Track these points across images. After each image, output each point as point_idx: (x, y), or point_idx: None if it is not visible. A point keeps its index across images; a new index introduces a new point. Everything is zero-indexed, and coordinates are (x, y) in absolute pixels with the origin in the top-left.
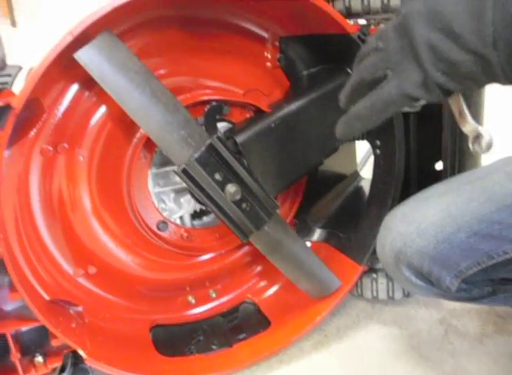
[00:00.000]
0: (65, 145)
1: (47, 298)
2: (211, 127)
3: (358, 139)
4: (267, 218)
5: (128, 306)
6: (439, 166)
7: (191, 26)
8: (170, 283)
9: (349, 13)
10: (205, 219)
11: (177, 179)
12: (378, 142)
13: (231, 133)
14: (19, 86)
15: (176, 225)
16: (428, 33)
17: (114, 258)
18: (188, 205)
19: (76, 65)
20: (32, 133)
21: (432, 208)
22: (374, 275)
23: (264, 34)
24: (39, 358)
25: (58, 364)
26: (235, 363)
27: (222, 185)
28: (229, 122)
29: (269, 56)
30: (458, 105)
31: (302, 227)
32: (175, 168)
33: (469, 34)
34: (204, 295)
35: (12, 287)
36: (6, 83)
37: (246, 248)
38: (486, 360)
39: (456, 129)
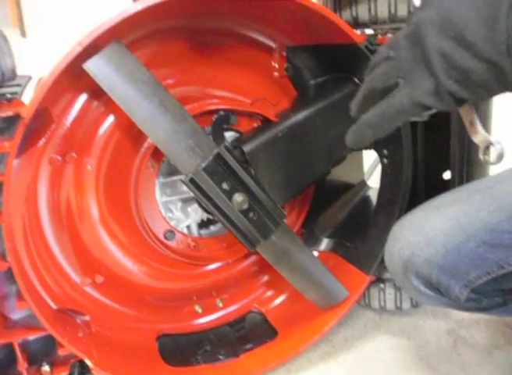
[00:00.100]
0: (74, 155)
1: (54, 307)
2: (218, 137)
3: (366, 148)
4: (274, 227)
5: (135, 315)
6: (446, 175)
7: (199, 36)
8: (177, 292)
9: (356, 23)
10: (212, 228)
11: (184, 188)
12: (385, 151)
13: (238, 142)
14: (28, 96)
15: (183, 234)
16: (440, 41)
17: (121, 268)
18: (195, 214)
19: (84, 75)
20: (41, 142)
21: (440, 217)
22: (381, 285)
23: (272, 44)
24: (46, 368)
25: (64, 373)
26: (242, 374)
27: (229, 194)
28: (237, 131)
29: (276, 66)
30: (469, 115)
31: (309, 237)
32: (182, 177)
33: (482, 42)
34: (211, 305)
35: (19, 296)
36: (16, 93)
37: (253, 258)
38: (496, 372)
39: (464, 138)
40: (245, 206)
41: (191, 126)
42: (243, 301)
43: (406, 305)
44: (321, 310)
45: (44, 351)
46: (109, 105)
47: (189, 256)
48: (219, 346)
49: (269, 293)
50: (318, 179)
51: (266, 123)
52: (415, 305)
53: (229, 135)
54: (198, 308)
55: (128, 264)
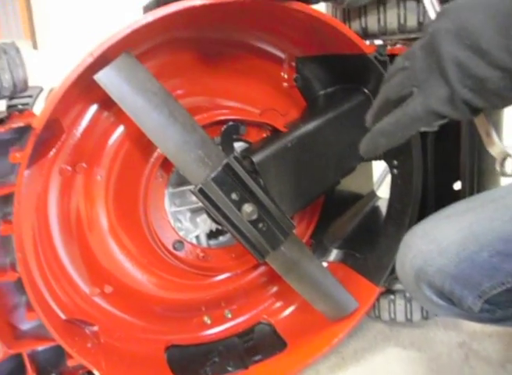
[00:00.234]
0: (84, 165)
1: (63, 317)
2: (227, 147)
3: (376, 159)
4: (283, 238)
5: (143, 326)
6: (457, 185)
7: (208, 47)
8: (186, 303)
9: (365, 34)
10: (221, 238)
11: (193, 198)
12: (395, 162)
13: (247, 152)
14: (40, 107)
15: (192, 245)
16: (455, 50)
17: (130, 278)
18: (204, 224)
19: (95, 86)
20: (51, 153)
21: (453, 227)
22: (391, 296)
23: (281, 55)
24: None
25: None
26: None
27: (238, 205)
28: (246, 141)
29: (286, 76)
30: (485, 125)
31: (318, 247)
32: (191, 187)
33: (497, 50)
34: (220, 316)
35: (29, 307)
36: (27, 104)
37: (262, 269)
38: None
39: (474, 148)
40: (254, 217)
41: (200, 136)
42: (252, 312)
43: (416, 316)
44: (330, 322)
45: (52, 362)
46: (119, 116)
47: (198, 267)
48: (228, 357)
49: (278, 304)
50: (327, 189)
51: (275, 133)
52: (426, 317)
53: (238, 145)
54: (207, 319)
55: (137, 274)
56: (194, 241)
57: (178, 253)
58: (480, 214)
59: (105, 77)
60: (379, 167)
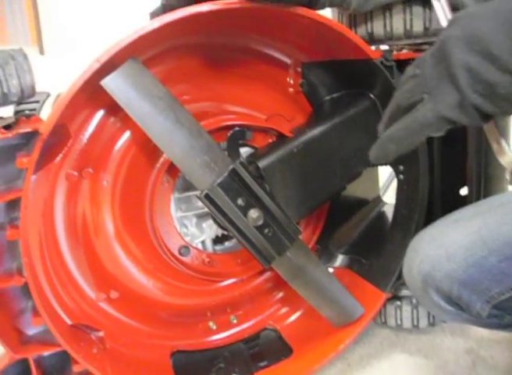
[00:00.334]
0: (90, 170)
1: (69, 322)
2: (233, 152)
3: (382, 164)
4: (289, 243)
5: (149, 332)
6: (463, 191)
7: (215, 52)
8: (191, 308)
9: (371, 39)
10: (227, 244)
11: (199, 204)
12: (401, 167)
13: (253, 158)
14: (47, 112)
15: (198, 250)
16: (465, 56)
17: (136, 283)
18: (210, 229)
19: (101, 91)
20: (58, 158)
21: (461, 231)
22: (398, 302)
23: (287, 60)
24: None
25: None
26: None
27: (244, 210)
28: (252, 147)
29: (291, 82)
30: (495, 134)
31: (324, 253)
32: (197, 193)
33: (507, 55)
34: (225, 321)
35: (35, 312)
36: (35, 109)
37: (267, 274)
38: None
39: (481, 153)
40: (260, 222)
41: (207, 141)
42: (258, 317)
43: (423, 323)
44: (336, 328)
45: (58, 368)
46: (125, 121)
47: (203, 272)
48: (233, 363)
49: (284, 310)
50: (333, 195)
51: (281, 138)
52: (432, 324)
53: (244, 151)
54: (212, 325)
55: (143, 280)
56: (200, 247)
57: (184, 258)
58: (488, 219)
59: (112, 83)
60: (385, 172)
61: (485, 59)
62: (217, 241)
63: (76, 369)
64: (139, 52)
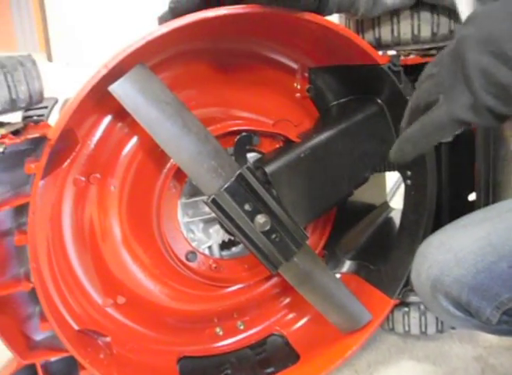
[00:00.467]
0: (98, 175)
1: (76, 327)
2: (240, 157)
3: (389, 170)
4: (296, 249)
5: (155, 337)
6: (471, 196)
7: (222, 58)
8: (198, 314)
9: (379, 44)
10: (234, 249)
11: (206, 209)
12: (409, 173)
13: (260, 163)
14: (55, 118)
15: (205, 255)
16: (479, 56)
17: (143, 289)
18: (217, 235)
19: (109, 97)
20: (66, 163)
21: (470, 236)
22: (406, 309)
23: (294, 65)
24: None
25: None
26: None
27: (251, 215)
28: (259, 152)
29: (299, 87)
30: None
31: (331, 258)
32: (204, 198)
33: None
34: (232, 327)
35: (42, 317)
36: (43, 115)
37: (274, 280)
38: None
39: (489, 159)
40: (267, 227)
41: (214, 147)
42: (265, 323)
43: (431, 329)
44: (343, 334)
45: (65, 373)
46: (133, 127)
47: (210, 278)
48: (240, 370)
49: (291, 315)
50: (340, 200)
51: (288, 143)
52: (441, 330)
53: (252, 156)
54: (219, 331)
55: (149, 285)
56: (207, 252)
57: (191, 264)
58: (497, 224)
59: (120, 89)
60: (392, 178)
61: (499, 60)
62: (224, 246)
63: (83, 374)
64: (147, 58)
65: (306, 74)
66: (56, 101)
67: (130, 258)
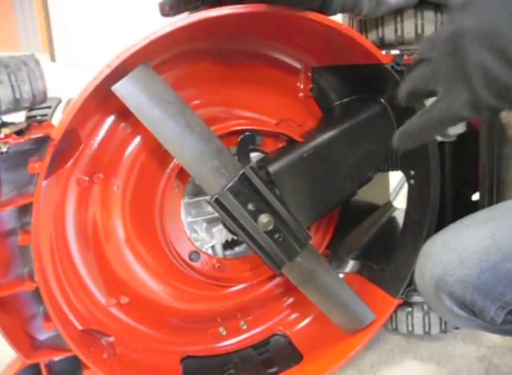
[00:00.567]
0: (101, 175)
1: (79, 327)
2: (243, 157)
3: (392, 170)
4: (299, 249)
5: (159, 337)
6: (475, 196)
7: (225, 57)
8: (201, 314)
9: (382, 44)
10: (237, 249)
11: (209, 209)
12: (412, 172)
13: (263, 162)
14: (58, 118)
15: (208, 255)
16: (479, 54)
17: (146, 289)
18: (220, 234)
19: (112, 97)
20: (69, 163)
21: (474, 236)
22: (409, 309)
23: (297, 65)
24: None
25: None
26: None
27: (254, 215)
28: (262, 152)
29: (302, 86)
30: None
31: (335, 258)
32: (207, 198)
33: None
34: (235, 327)
35: (46, 317)
36: (46, 115)
37: (277, 279)
38: None
39: (493, 158)
40: (270, 227)
41: (217, 146)
42: (268, 323)
43: (435, 329)
44: (347, 334)
45: (69, 373)
46: (136, 127)
47: (213, 277)
48: (243, 369)
49: (294, 315)
50: (343, 200)
51: (291, 143)
52: (444, 330)
53: (255, 155)
54: (222, 331)
55: (153, 285)
56: (210, 252)
57: (194, 264)
58: (502, 223)
59: (123, 88)
60: (396, 177)
61: (500, 59)
62: (227, 246)
63: (86, 374)
64: (150, 58)
65: (309, 74)
66: (59, 101)
67: (133, 257)
